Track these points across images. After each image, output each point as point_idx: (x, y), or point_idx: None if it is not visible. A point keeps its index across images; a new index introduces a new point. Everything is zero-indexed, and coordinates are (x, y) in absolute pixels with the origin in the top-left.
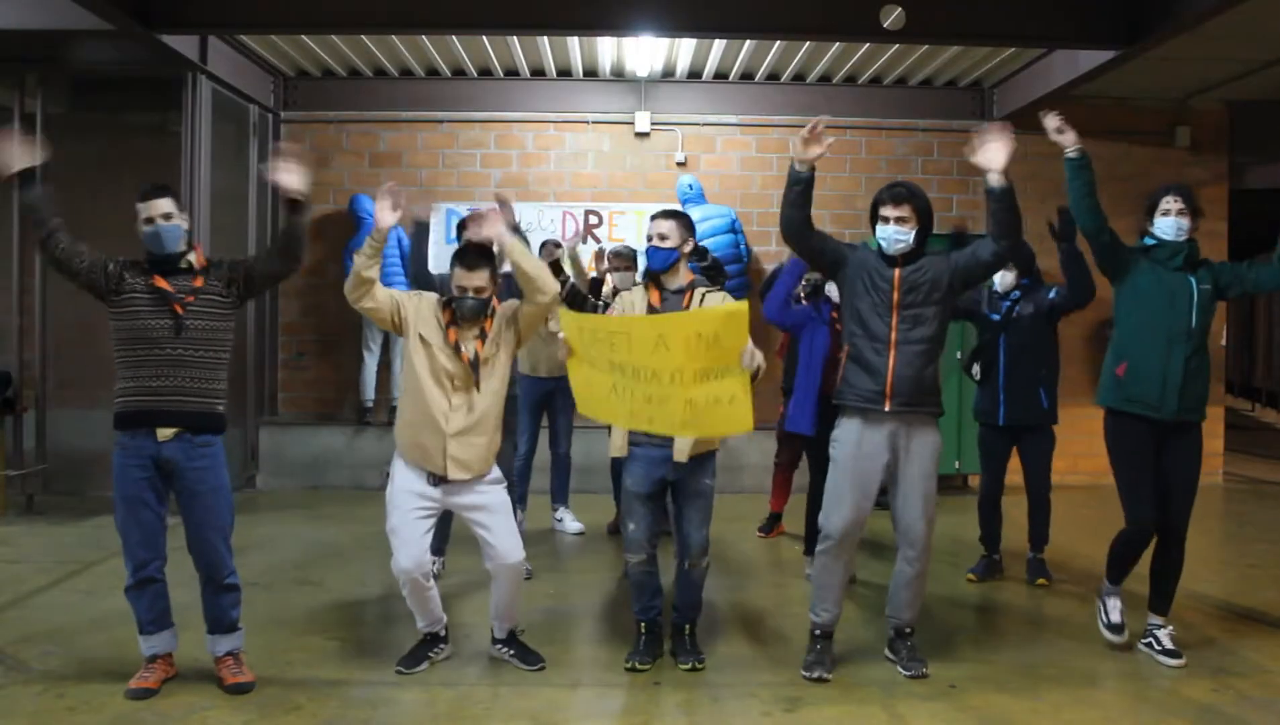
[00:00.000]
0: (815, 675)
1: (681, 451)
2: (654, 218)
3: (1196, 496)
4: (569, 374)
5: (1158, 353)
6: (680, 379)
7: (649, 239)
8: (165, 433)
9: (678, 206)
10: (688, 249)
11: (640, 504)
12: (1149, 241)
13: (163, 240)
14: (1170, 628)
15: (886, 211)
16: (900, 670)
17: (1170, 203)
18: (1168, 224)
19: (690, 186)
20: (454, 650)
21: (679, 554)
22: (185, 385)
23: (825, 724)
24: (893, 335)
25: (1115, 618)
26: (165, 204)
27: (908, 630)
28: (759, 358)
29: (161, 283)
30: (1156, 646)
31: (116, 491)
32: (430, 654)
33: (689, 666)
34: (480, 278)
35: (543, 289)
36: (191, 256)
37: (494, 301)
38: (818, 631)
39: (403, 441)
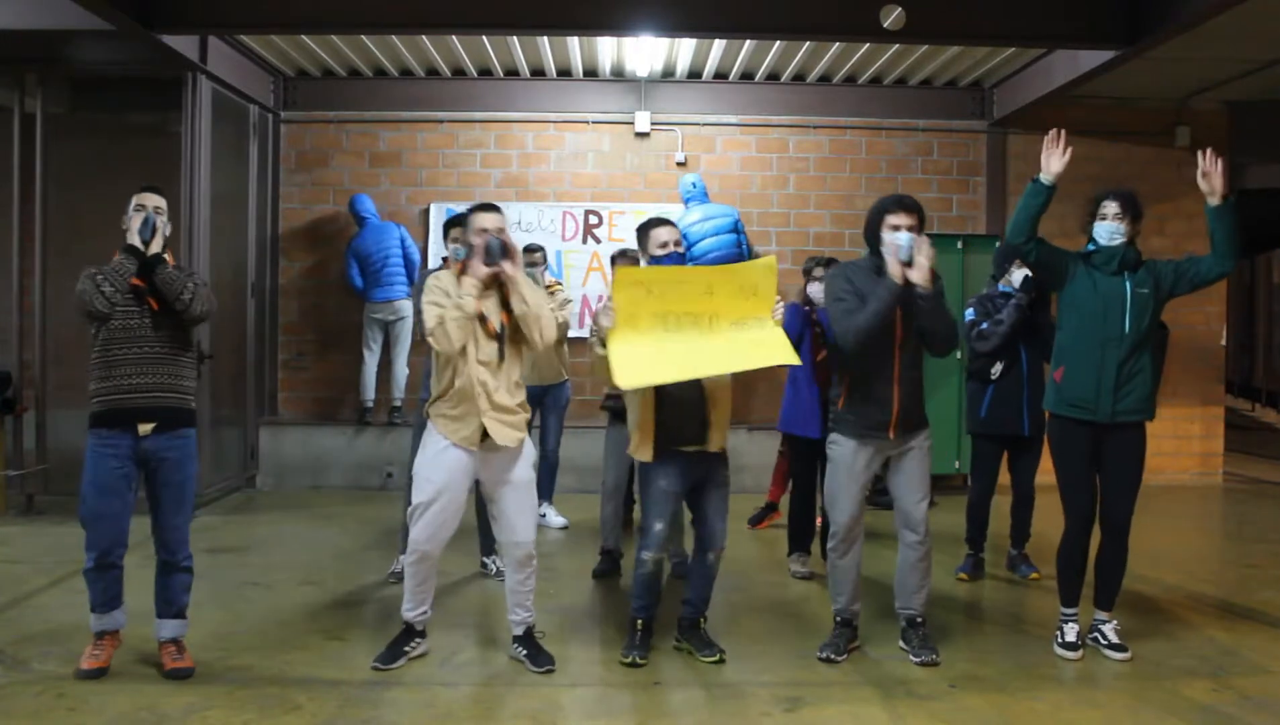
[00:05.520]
0: (822, 655)
1: (716, 442)
2: (658, 226)
3: (1139, 492)
4: (610, 350)
5: (1092, 357)
6: (718, 327)
7: (663, 246)
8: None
9: (676, 208)
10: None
11: (672, 503)
12: (1089, 247)
13: None
14: (1115, 622)
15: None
16: (911, 658)
17: (1108, 207)
18: (1104, 229)
19: (694, 185)
20: (430, 647)
21: (700, 546)
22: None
23: (825, 724)
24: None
25: (1070, 638)
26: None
27: (919, 620)
28: (780, 312)
29: None
30: (1103, 640)
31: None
32: (406, 649)
33: (715, 659)
34: (497, 219)
35: (544, 334)
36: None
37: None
38: (838, 618)
39: None
